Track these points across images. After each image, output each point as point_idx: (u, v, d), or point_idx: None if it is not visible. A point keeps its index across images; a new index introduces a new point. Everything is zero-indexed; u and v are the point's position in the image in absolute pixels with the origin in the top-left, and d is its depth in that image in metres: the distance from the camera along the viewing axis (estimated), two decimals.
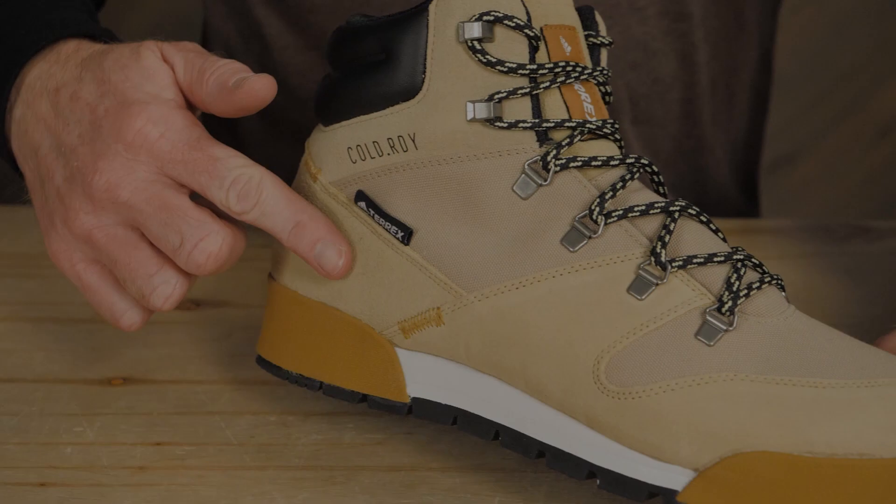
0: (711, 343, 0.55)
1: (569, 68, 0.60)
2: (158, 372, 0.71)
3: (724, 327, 0.55)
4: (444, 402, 0.60)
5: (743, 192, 0.98)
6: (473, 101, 0.59)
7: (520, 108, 0.59)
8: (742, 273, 0.57)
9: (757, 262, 0.59)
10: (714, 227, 0.60)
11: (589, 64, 0.62)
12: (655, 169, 0.62)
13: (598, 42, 0.63)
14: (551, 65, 0.59)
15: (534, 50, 0.59)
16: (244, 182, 0.60)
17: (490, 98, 0.59)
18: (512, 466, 0.63)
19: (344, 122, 0.62)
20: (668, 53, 0.86)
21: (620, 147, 0.62)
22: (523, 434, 0.58)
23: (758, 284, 0.57)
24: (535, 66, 0.59)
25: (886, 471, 0.52)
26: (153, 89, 0.62)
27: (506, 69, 0.59)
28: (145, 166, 0.61)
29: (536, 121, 0.59)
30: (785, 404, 0.53)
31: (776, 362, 0.55)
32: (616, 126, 0.61)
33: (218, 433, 0.66)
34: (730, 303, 0.56)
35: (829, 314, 0.78)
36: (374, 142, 0.60)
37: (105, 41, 0.66)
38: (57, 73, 0.64)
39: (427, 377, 0.60)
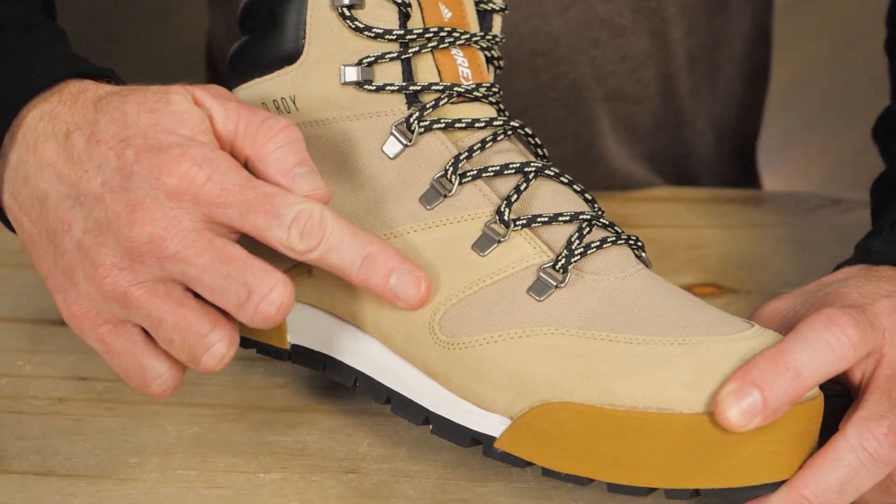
0: (541, 298, 0.58)
1: (443, 34, 0.62)
2: None
3: (555, 283, 0.58)
4: (316, 349, 0.64)
5: (736, 165, 0.99)
6: (345, 65, 0.62)
7: (390, 72, 0.62)
8: (585, 232, 0.59)
9: (607, 223, 0.61)
10: (579, 189, 0.62)
11: (474, 29, 0.64)
12: (529, 132, 0.64)
13: (490, 9, 0.65)
14: (421, 30, 0.62)
15: (404, 16, 0.62)
16: (306, 218, 0.56)
17: (359, 62, 0.62)
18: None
19: (244, 85, 0.65)
20: (639, 31, 0.87)
21: (500, 110, 0.64)
22: (375, 381, 0.61)
23: (598, 244, 0.59)
24: (402, 32, 0.62)
25: (685, 425, 0.54)
26: (188, 132, 0.57)
27: (373, 34, 0.62)
28: (190, 214, 0.56)
29: (404, 84, 0.62)
30: (595, 358, 0.55)
31: (602, 319, 0.57)
32: (494, 90, 0.63)
33: None
34: (563, 260, 0.58)
35: (776, 283, 0.79)
36: (262, 104, 0.64)
37: (109, 81, 0.62)
38: (64, 115, 0.59)
39: (304, 326, 0.64)
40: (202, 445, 0.65)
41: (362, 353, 0.62)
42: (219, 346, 0.57)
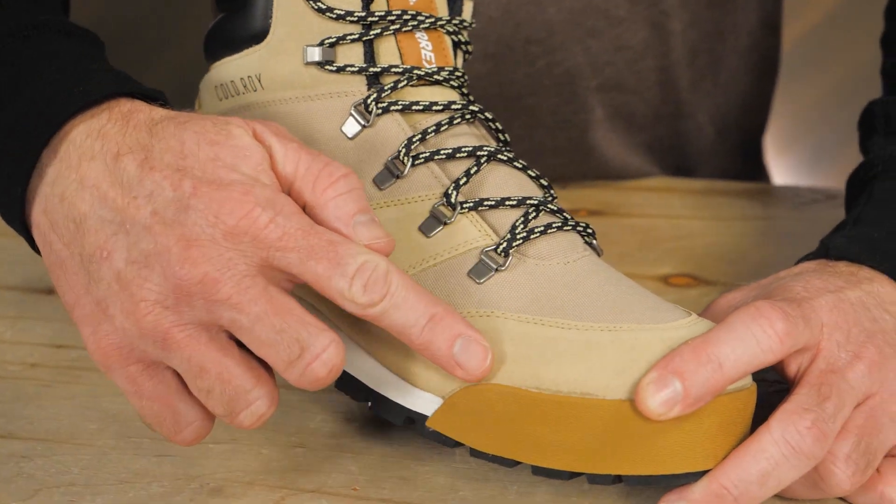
0: (480, 281, 0.58)
1: (406, 17, 0.63)
2: None
3: (496, 267, 0.58)
4: None
5: (741, 158, 0.98)
6: (308, 46, 0.63)
7: (352, 53, 0.63)
8: (531, 217, 0.60)
9: (556, 209, 0.61)
10: (534, 174, 0.63)
11: (442, 14, 0.65)
12: (490, 116, 0.65)
13: None
14: (383, 12, 0.63)
15: None
16: (370, 270, 0.53)
17: (321, 43, 0.63)
18: None
19: (216, 63, 0.67)
20: (637, 22, 0.87)
21: (463, 94, 0.65)
22: None
23: (542, 229, 0.59)
24: (364, 14, 0.63)
25: (608, 412, 0.54)
26: (250, 171, 0.55)
27: (335, 16, 0.63)
28: (246, 257, 0.53)
29: (365, 65, 0.63)
30: (527, 342, 0.56)
31: (538, 303, 0.57)
32: (457, 74, 0.64)
33: None
34: (505, 244, 0.59)
35: (754, 276, 0.78)
36: (231, 81, 0.66)
37: (160, 104, 0.59)
38: (114, 135, 0.55)
39: None
40: None
41: None
42: (259, 405, 0.54)
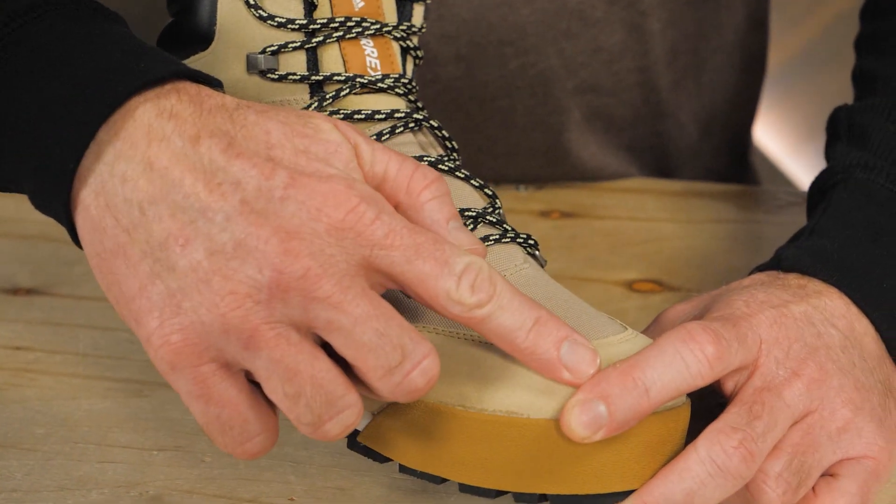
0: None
1: (350, 24, 0.63)
2: (59, 287, 0.78)
3: None
4: None
5: (726, 156, 0.97)
6: (251, 54, 0.63)
7: (295, 62, 0.63)
8: (472, 229, 0.59)
9: (496, 220, 0.60)
10: (478, 184, 0.62)
11: (389, 19, 0.64)
12: (435, 124, 0.64)
13: None
14: (325, 20, 0.62)
15: (310, 6, 0.62)
16: (476, 271, 0.51)
17: (263, 51, 0.62)
18: None
19: None
20: (614, 23, 0.86)
21: (411, 101, 0.64)
22: None
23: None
24: (305, 22, 0.62)
25: (533, 431, 0.54)
26: (341, 167, 0.52)
27: (276, 24, 0.62)
28: (347, 255, 0.50)
29: (307, 73, 0.62)
30: (455, 358, 0.56)
31: None
32: (403, 81, 0.64)
33: (72, 343, 0.73)
34: None
35: (720, 282, 0.77)
36: None
37: (222, 91, 0.55)
38: (189, 117, 0.52)
39: None
40: (108, 420, 0.66)
41: None
42: (349, 413, 0.51)
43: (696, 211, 0.85)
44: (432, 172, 0.55)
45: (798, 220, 0.84)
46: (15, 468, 0.63)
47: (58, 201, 0.52)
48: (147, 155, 0.51)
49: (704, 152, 0.95)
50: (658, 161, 0.93)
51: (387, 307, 0.51)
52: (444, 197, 0.54)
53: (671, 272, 0.78)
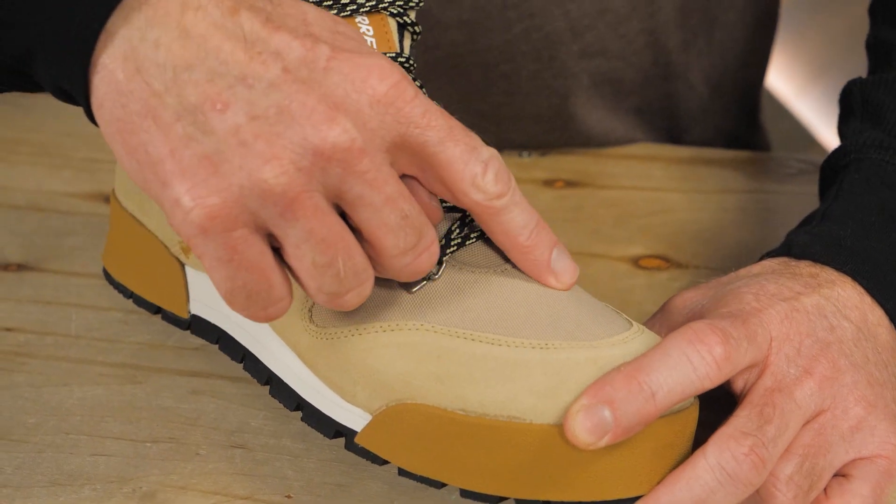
0: (412, 291, 0.56)
1: (344, 1, 0.60)
2: (49, 262, 0.76)
3: (427, 276, 0.56)
4: (213, 321, 0.63)
5: (735, 116, 0.94)
6: None
7: None
8: (468, 221, 0.57)
9: None
10: None
11: None
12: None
13: None
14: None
15: None
16: (499, 163, 0.53)
17: None
18: None
19: None
20: None
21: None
22: (259, 360, 0.60)
23: (478, 234, 0.57)
24: None
25: (536, 436, 0.52)
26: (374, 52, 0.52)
27: None
28: (385, 131, 0.50)
29: None
30: (454, 359, 0.54)
31: (470, 315, 0.55)
32: (401, 60, 0.61)
33: (64, 324, 0.71)
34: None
35: (729, 258, 0.76)
36: None
37: None
38: None
39: (204, 296, 0.63)
40: (101, 409, 0.65)
41: (251, 331, 0.61)
42: (368, 286, 0.51)
43: (704, 180, 0.83)
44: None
45: (807, 189, 0.82)
46: (5, 461, 0.62)
47: (77, 64, 0.50)
48: (182, 22, 0.49)
49: (714, 112, 0.93)
50: (667, 123, 0.90)
51: (408, 190, 0.51)
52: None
53: (678, 247, 0.76)
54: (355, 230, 0.51)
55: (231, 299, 0.51)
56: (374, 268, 0.52)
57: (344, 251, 0.50)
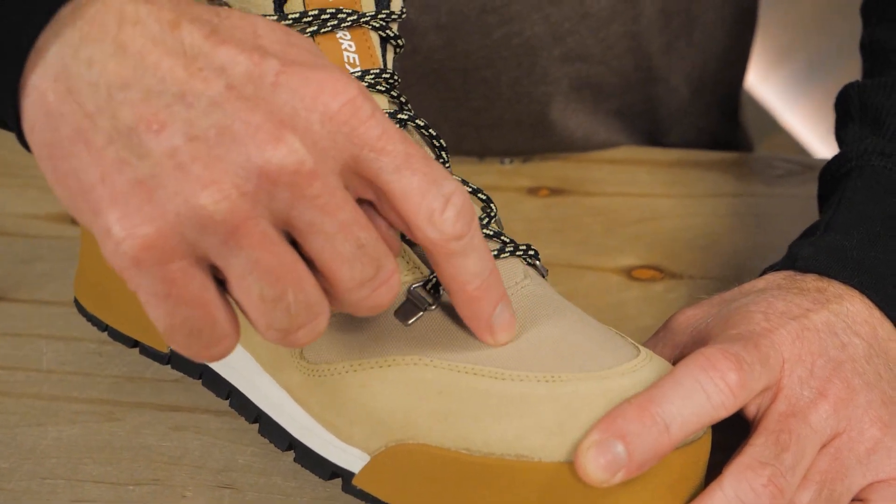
0: (408, 322, 0.53)
1: (325, 16, 0.57)
2: (17, 290, 0.73)
3: (424, 306, 0.53)
4: None
5: (717, 115, 0.92)
6: None
7: None
8: None
9: (493, 233, 0.56)
10: (471, 189, 0.57)
11: (367, 8, 0.59)
12: (421, 123, 0.59)
13: None
14: (297, 14, 0.57)
15: None
16: (462, 198, 0.48)
17: None
18: None
19: None
20: None
21: (395, 97, 0.59)
22: (247, 398, 0.58)
23: None
24: (276, 17, 0.57)
25: (545, 475, 0.50)
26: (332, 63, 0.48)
27: None
28: (336, 152, 0.46)
29: None
30: (455, 396, 0.51)
31: (472, 347, 0.52)
32: (385, 76, 0.58)
33: (35, 358, 0.68)
34: (434, 279, 0.53)
35: (725, 267, 0.73)
36: None
37: None
38: (165, 2, 0.47)
39: None
40: (79, 450, 0.61)
41: (237, 367, 0.58)
42: (322, 320, 0.47)
43: (693, 184, 0.80)
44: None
45: (797, 191, 0.80)
46: None
47: (5, 87, 0.46)
48: (119, 38, 0.45)
49: (695, 112, 0.90)
50: (648, 125, 0.88)
51: (365, 220, 0.47)
52: None
53: (672, 256, 0.74)
54: (308, 260, 0.47)
55: (170, 338, 0.46)
56: (330, 301, 0.48)
57: (294, 283, 0.46)
